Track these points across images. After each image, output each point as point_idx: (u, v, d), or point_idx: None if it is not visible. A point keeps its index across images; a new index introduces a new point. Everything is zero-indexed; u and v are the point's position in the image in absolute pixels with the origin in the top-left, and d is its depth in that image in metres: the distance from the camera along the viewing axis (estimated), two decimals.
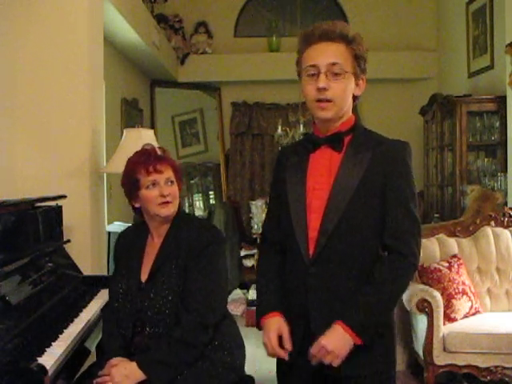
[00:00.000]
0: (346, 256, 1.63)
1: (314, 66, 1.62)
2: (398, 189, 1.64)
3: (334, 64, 1.61)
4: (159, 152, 2.03)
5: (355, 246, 1.63)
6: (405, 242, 1.62)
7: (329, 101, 1.62)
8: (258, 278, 1.83)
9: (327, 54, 1.62)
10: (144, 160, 1.99)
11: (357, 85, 1.68)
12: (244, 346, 2.10)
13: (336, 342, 1.56)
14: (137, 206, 2.05)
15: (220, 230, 2.08)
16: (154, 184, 1.97)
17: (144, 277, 2.01)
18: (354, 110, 1.76)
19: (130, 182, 2.01)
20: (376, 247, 1.66)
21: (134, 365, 1.87)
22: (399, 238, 1.62)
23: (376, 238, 1.66)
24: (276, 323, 1.67)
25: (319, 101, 1.63)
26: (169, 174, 2.00)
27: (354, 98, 1.70)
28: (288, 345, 1.65)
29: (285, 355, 1.65)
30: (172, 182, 2.01)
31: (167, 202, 1.97)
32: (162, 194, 1.96)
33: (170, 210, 1.99)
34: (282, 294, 1.73)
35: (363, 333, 1.57)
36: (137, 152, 2.06)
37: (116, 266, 2.13)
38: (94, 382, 1.89)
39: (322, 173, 1.68)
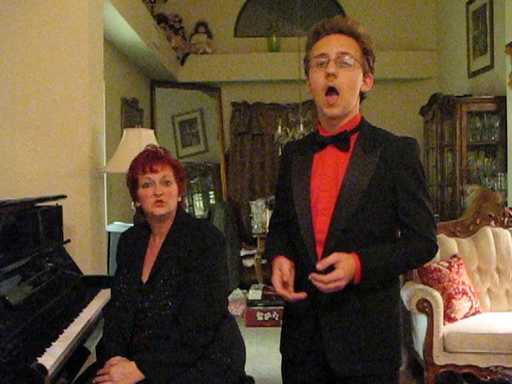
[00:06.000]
0: None
1: (323, 54, 1.61)
2: (410, 185, 1.62)
3: (343, 53, 1.60)
4: (160, 152, 2.05)
5: (365, 247, 1.60)
6: (424, 232, 1.62)
7: (336, 93, 1.59)
8: (266, 242, 1.81)
9: (337, 43, 1.61)
10: (142, 159, 2.02)
11: (364, 81, 1.66)
12: (244, 347, 2.10)
13: (348, 271, 1.52)
14: (138, 205, 2.06)
15: (220, 231, 2.08)
16: (149, 183, 1.99)
17: (145, 277, 2.02)
18: None
19: (131, 182, 2.04)
20: None
21: (132, 364, 1.87)
22: (418, 230, 1.61)
23: (386, 239, 1.64)
24: (277, 264, 1.63)
25: (327, 94, 1.60)
26: (165, 173, 2.00)
27: (361, 96, 1.68)
28: (286, 278, 1.59)
29: (288, 294, 1.58)
30: (168, 181, 2.01)
31: (161, 202, 1.98)
32: (156, 193, 1.97)
33: (164, 209, 1.99)
34: (289, 249, 1.71)
35: (366, 274, 1.55)
36: (140, 152, 2.09)
37: (118, 265, 2.13)
38: (93, 381, 1.90)
39: (328, 173, 1.65)
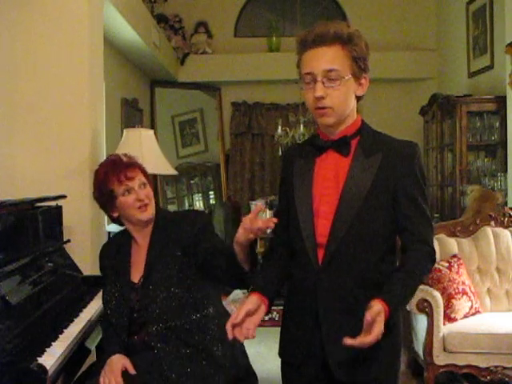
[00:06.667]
0: (357, 262, 1.60)
1: (309, 73, 1.58)
2: (411, 190, 1.61)
3: (329, 71, 1.56)
4: (125, 159, 2.06)
5: (366, 251, 1.60)
6: (423, 241, 1.63)
7: (328, 107, 1.58)
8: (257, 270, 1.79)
9: (322, 60, 1.57)
10: (114, 169, 2.02)
11: (359, 85, 1.63)
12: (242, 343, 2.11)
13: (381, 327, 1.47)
14: (115, 215, 2.07)
15: (201, 210, 2.19)
16: (129, 190, 2.01)
17: (135, 278, 2.03)
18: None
19: (104, 194, 2.03)
20: (387, 251, 1.65)
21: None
22: (417, 239, 1.62)
23: (387, 243, 1.64)
24: (244, 301, 1.62)
25: (318, 108, 1.59)
26: (140, 177, 2.04)
27: (358, 98, 1.65)
28: (233, 320, 1.56)
29: (229, 332, 1.56)
30: (144, 184, 2.05)
31: (146, 205, 2.01)
32: (139, 198, 2.00)
33: (150, 212, 2.03)
34: (275, 281, 1.69)
35: (391, 316, 1.51)
36: (102, 164, 2.10)
37: (104, 276, 2.15)
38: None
39: (329, 178, 1.64)
